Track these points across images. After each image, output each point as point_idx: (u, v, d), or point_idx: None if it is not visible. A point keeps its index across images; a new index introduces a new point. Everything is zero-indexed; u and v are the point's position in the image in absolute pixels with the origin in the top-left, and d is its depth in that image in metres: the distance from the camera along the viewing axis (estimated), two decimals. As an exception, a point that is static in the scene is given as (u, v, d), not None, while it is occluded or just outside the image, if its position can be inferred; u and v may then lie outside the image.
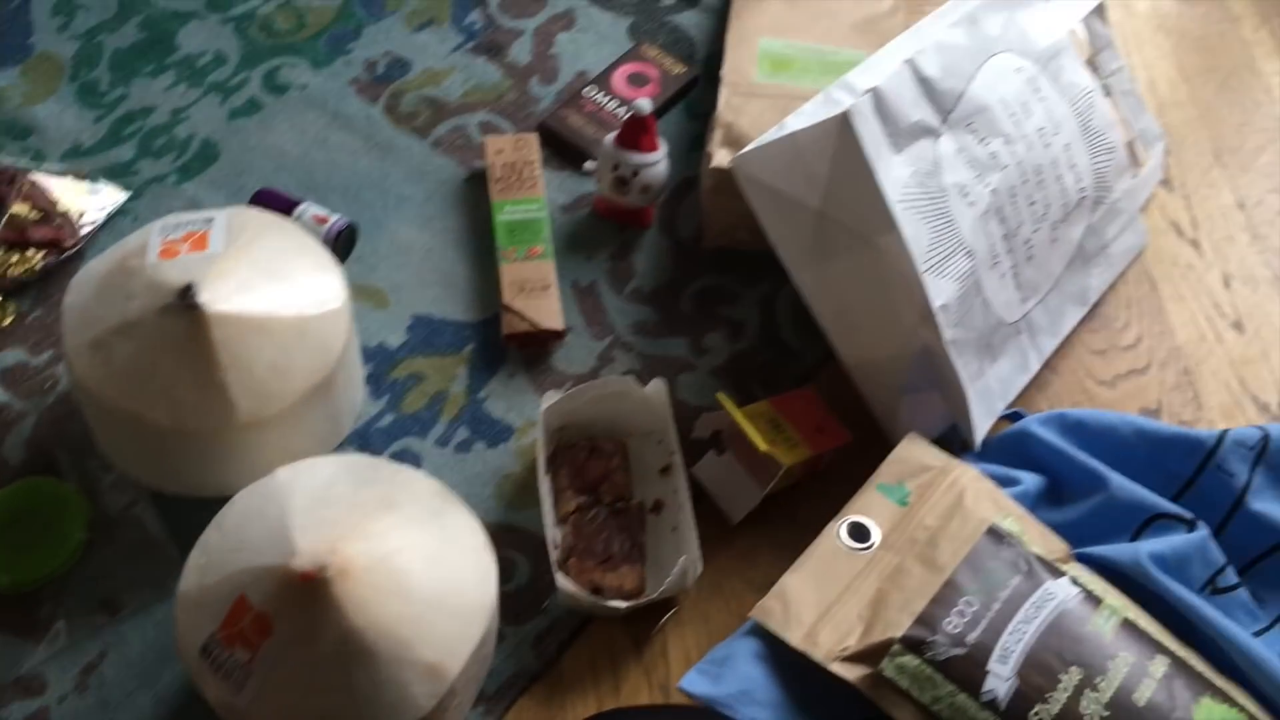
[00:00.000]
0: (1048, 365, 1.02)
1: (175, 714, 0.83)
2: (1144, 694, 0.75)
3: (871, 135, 0.85)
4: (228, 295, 0.81)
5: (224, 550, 0.73)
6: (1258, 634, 0.88)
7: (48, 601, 0.87)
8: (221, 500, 0.79)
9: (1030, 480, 0.91)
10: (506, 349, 1.02)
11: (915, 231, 0.86)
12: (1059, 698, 0.74)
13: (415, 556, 0.73)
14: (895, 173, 0.87)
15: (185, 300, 0.79)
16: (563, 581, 0.85)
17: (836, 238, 0.89)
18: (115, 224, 1.05)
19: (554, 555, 0.88)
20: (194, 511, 0.82)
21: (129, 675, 0.84)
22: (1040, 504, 0.91)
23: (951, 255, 0.88)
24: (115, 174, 1.08)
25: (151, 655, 0.85)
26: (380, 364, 1.00)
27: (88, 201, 1.04)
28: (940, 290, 0.87)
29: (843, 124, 0.85)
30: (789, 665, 0.79)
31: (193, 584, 0.73)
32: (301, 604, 0.69)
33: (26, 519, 0.89)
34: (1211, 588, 0.87)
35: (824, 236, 0.90)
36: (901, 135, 0.88)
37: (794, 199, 0.90)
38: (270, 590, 0.69)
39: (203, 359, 0.80)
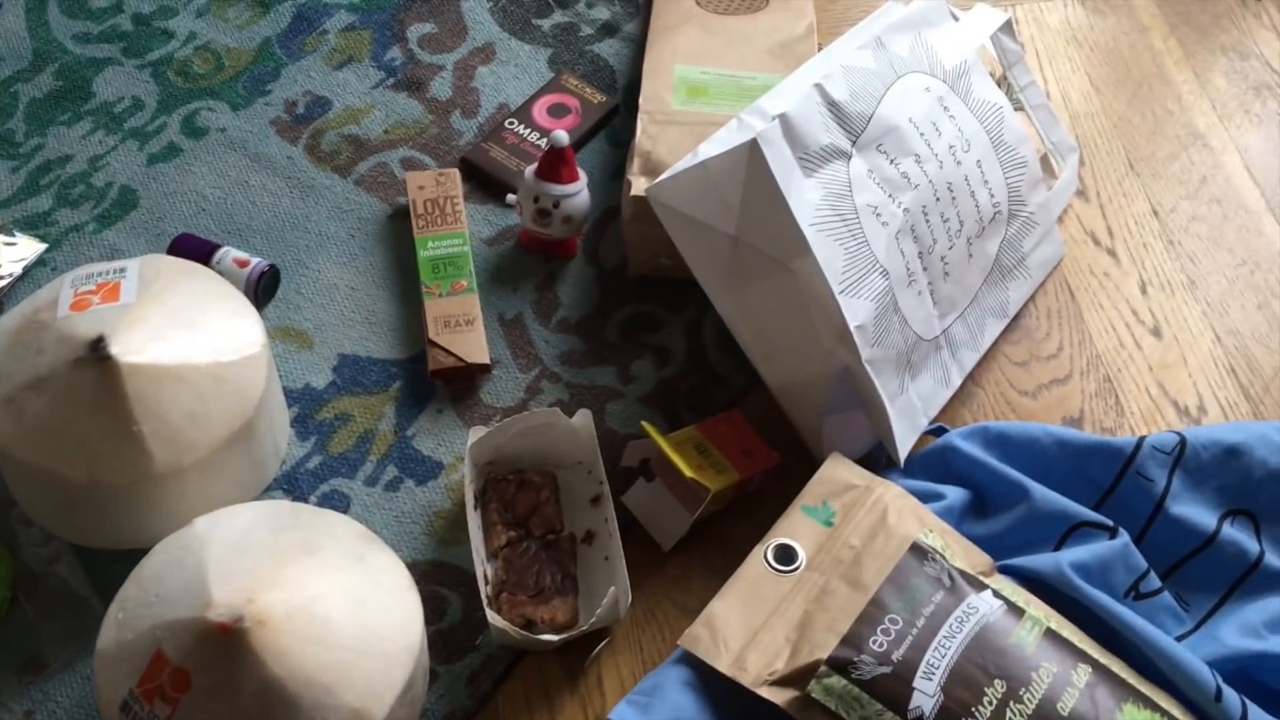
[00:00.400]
0: (971, 378, 1.04)
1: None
2: (1067, 703, 0.75)
3: (781, 161, 0.86)
4: (140, 345, 0.80)
5: (141, 604, 0.72)
6: (1182, 637, 0.89)
7: (-30, 663, 0.86)
8: (145, 551, 0.78)
9: (954, 494, 0.92)
10: (434, 385, 1.02)
11: (828, 254, 0.87)
12: (984, 711, 0.74)
13: (336, 602, 0.73)
14: (806, 196, 0.88)
15: (97, 352, 0.79)
16: (494, 618, 0.85)
17: (752, 263, 0.90)
18: (34, 275, 1.04)
19: (485, 591, 0.88)
20: (117, 563, 0.81)
21: (56, 734, 0.83)
22: (965, 517, 0.92)
23: (866, 275, 0.89)
24: (33, 225, 1.07)
25: (80, 712, 0.84)
26: (306, 405, 1.00)
27: (4, 254, 1.03)
28: (856, 311, 0.88)
29: (752, 150, 0.86)
30: (719, 691, 0.79)
31: (111, 639, 0.73)
32: (219, 656, 0.68)
33: (-54, 580, 0.88)
34: (1135, 593, 0.88)
35: (740, 262, 0.91)
36: (812, 159, 0.89)
37: (709, 226, 0.91)
38: (187, 643, 0.69)
39: (117, 411, 0.79)
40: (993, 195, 1.02)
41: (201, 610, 0.69)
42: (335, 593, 0.73)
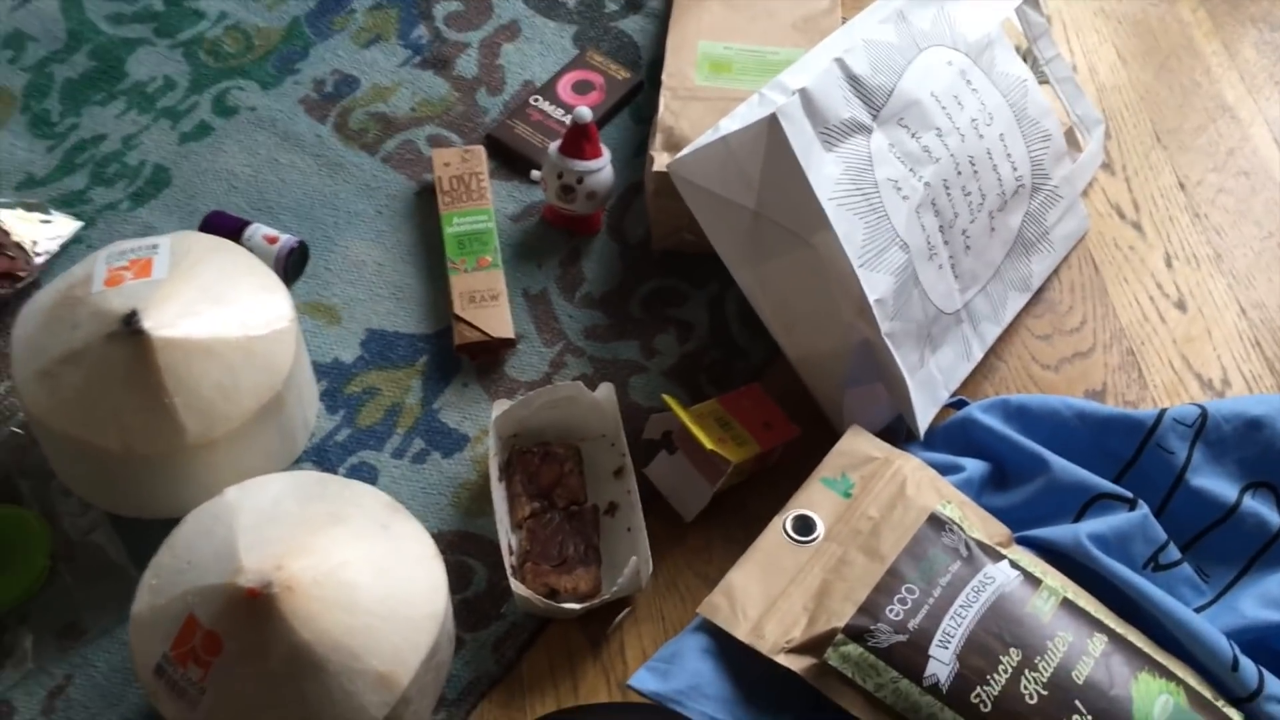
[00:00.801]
0: (993, 352, 1.04)
1: (142, 731, 0.85)
2: (1082, 672, 0.76)
3: (801, 135, 0.87)
4: (172, 320, 0.82)
5: (174, 570, 0.75)
6: (1202, 608, 0.89)
7: (13, 627, 0.88)
8: (178, 521, 0.80)
9: (973, 467, 0.92)
10: (459, 359, 1.03)
11: (848, 228, 0.88)
12: (999, 679, 0.75)
13: (362, 569, 0.75)
14: (826, 171, 0.88)
15: (130, 327, 0.81)
16: (517, 586, 0.86)
17: (772, 237, 0.91)
18: (70, 253, 1.06)
19: (509, 561, 0.89)
20: (152, 533, 0.83)
21: (95, 697, 0.86)
22: (984, 490, 0.93)
23: (886, 249, 0.90)
24: (68, 203, 1.09)
25: (117, 677, 0.87)
26: (335, 380, 1.01)
27: (41, 232, 1.05)
28: (875, 284, 0.89)
29: (772, 125, 0.86)
30: (737, 658, 0.80)
31: (145, 605, 0.75)
32: (249, 621, 0.70)
33: (-11, 548, 0.90)
34: (1154, 565, 0.89)
35: (760, 236, 0.92)
36: (832, 133, 0.89)
37: (729, 200, 0.92)
38: (219, 608, 0.71)
39: (149, 384, 0.81)
40: (1015, 169, 1.02)
41: (232, 576, 0.71)
42: (361, 560, 0.75)
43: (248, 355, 0.85)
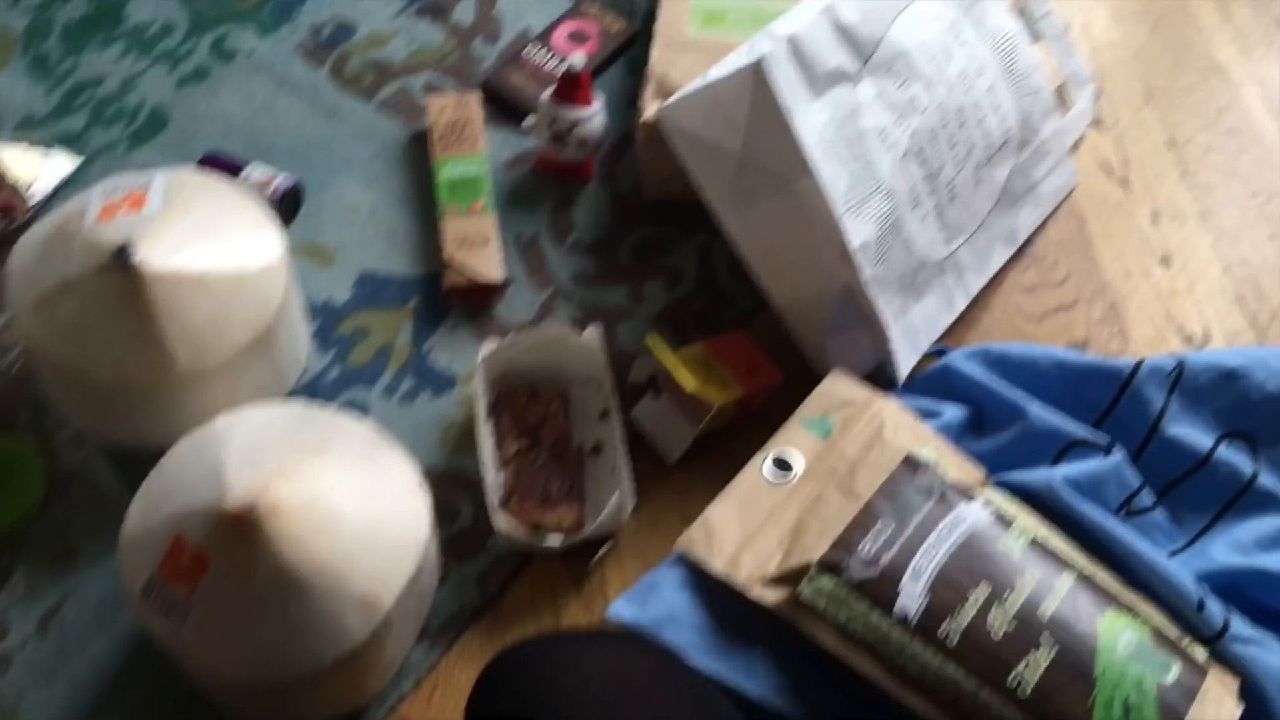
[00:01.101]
0: (977, 303, 1.05)
1: (131, 655, 0.87)
2: (1049, 607, 0.78)
3: (787, 82, 0.88)
4: (164, 253, 0.84)
5: (163, 494, 0.76)
6: (1174, 554, 0.91)
7: (8, 553, 0.90)
8: (169, 451, 0.82)
9: (952, 412, 0.94)
10: (449, 302, 1.05)
11: (832, 174, 0.89)
12: (967, 613, 0.77)
13: (347, 496, 0.76)
14: (812, 118, 0.89)
15: (121, 259, 0.82)
16: (501, 520, 0.88)
17: (758, 183, 0.92)
18: (67, 192, 1.07)
19: (494, 497, 0.91)
20: (145, 463, 0.85)
21: (87, 620, 0.88)
22: (963, 435, 0.94)
23: (870, 197, 0.91)
24: (67, 143, 1.11)
25: (109, 602, 0.89)
26: (327, 320, 1.03)
27: (39, 170, 1.06)
28: (858, 231, 0.90)
29: (758, 71, 0.87)
30: (713, 591, 0.82)
31: (134, 526, 0.77)
32: (235, 542, 0.72)
33: (-14, 475, 0.92)
34: (1127, 510, 0.90)
35: (746, 182, 0.93)
36: (819, 81, 0.90)
37: (717, 146, 0.93)
38: (205, 529, 0.73)
39: (141, 315, 0.83)
40: (1003, 122, 1.02)
41: (219, 499, 0.73)
42: (346, 487, 0.77)
43: (239, 289, 0.87)
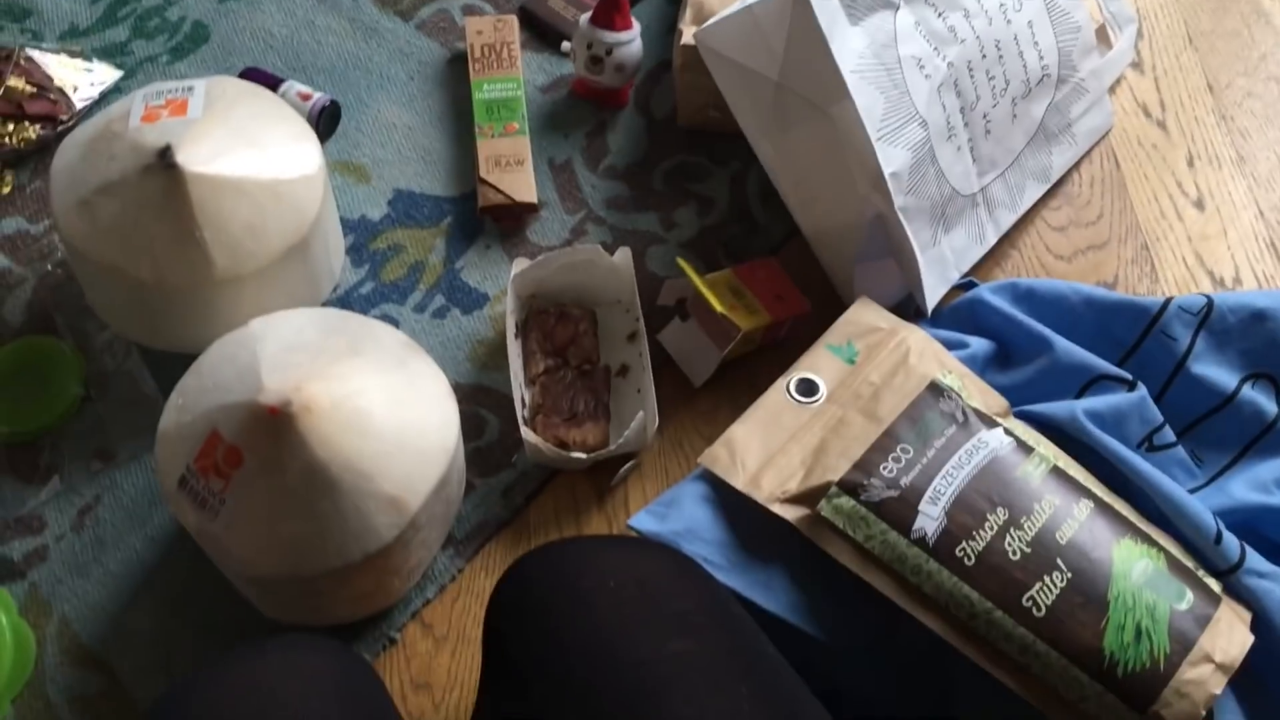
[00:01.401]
0: (1006, 240, 1.05)
1: (164, 551, 0.89)
2: (1066, 533, 0.79)
3: (826, 6, 0.88)
4: (205, 158, 0.85)
5: (199, 391, 0.78)
6: (1193, 491, 0.91)
7: (47, 450, 0.93)
8: (204, 353, 0.84)
9: (978, 344, 0.94)
10: (482, 222, 1.06)
11: (868, 101, 0.89)
12: (984, 535, 0.78)
13: (377, 399, 0.78)
14: (850, 44, 0.89)
15: (164, 160, 0.84)
16: (528, 434, 0.90)
17: (794, 108, 0.92)
18: (109, 101, 1.09)
19: (522, 413, 0.93)
20: (180, 367, 0.87)
21: (122, 517, 0.90)
22: (987, 367, 0.95)
23: (905, 125, 0.91)
24: (110, 54, 1.12)
25: (143, 500, 0.91)
26: (361, 235, 1.04)
27: (82, 79, 1.08)
28: (892, 158, 0.90)
29: (797, -5, 0.87)
30: (733, 507, 0.83)
31: (171, 422, 0.78)
32: (269, 437, 0.74)
33: (26, 375, 0.95)
34: (1148, 445, 0.91)
35: (782, 107, 0.93)
36: (859, 7, 0.90)
37: (754, 71, 0.93)
38: (240, 424, 0.74)
39: (181, 217, 0.84)
40: (1042, 57, 1.02)
41: (254, 395, 0.74)
42: (377, 390, 0.78)
43: (276, 197, 0.88)
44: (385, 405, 0.78)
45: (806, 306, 0.99)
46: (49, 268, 1.00)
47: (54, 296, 0.99)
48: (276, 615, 0.85)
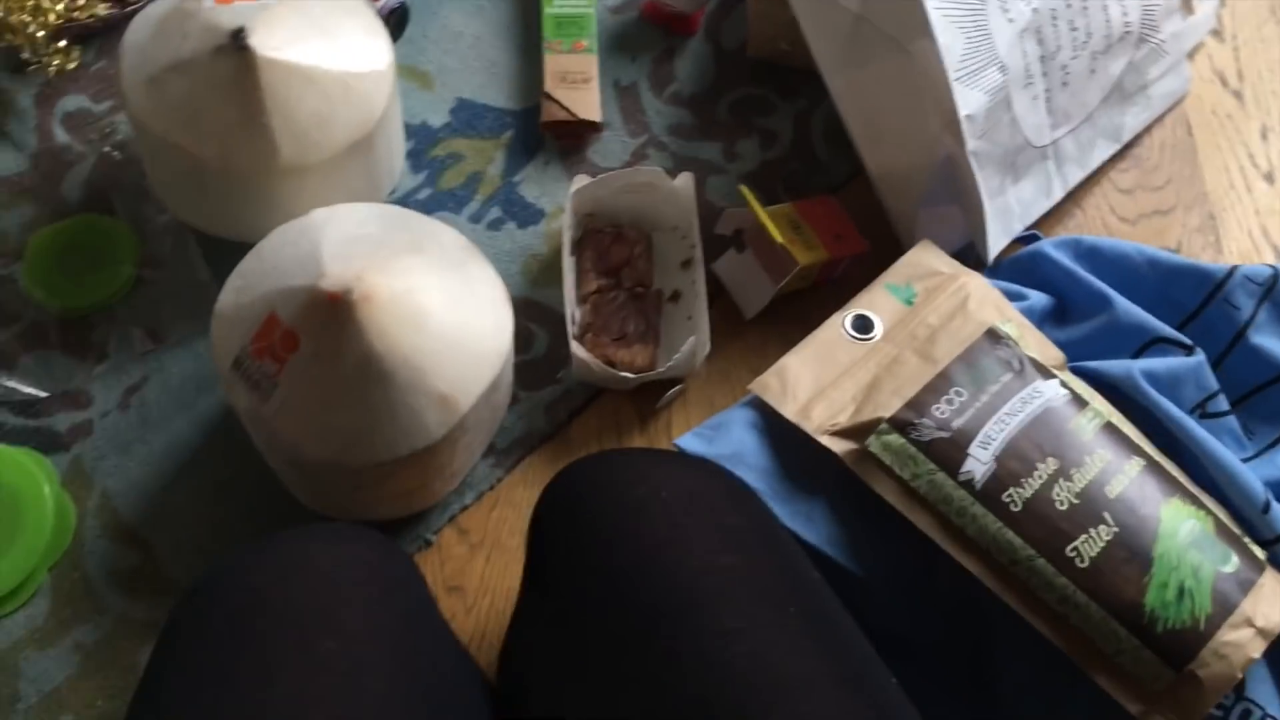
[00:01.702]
0: (1071, 197, 1.04)
1: (207, 438, 0.90)
2: (1115, 488, 0.78)
3: (915, -62, 0.86)
4: (278, 43, 0.84)
5: (259, 273, 0.78)
6: (1243, 461, 0.91)
7: (99, 327, 0.93)
8: (262, 242, 0.83)
9: (1037, 298, 0.93)
10: (544, 138, 1.05)
11: (949, 40, 0.88)
12: (1032, 484, 0.77)
13: (435, 296, 0.77)
14: (936, -21, 0.87)
15: (237, 42, 0.83)
16: (577, 349, 0.89)
17: (872, 42, 0.91)
18: (178, -12, 1.08)
19: (572, 329, 0.92)
20: (236, 256, 0.87)
21: (168, 399, 0.91)
22: (1045, 321, 0.94)
23: (984, 68, 0.90)
24: (181, -60, 1.11)
25: (190, 384, 0.92)
26: (421, 141, 1.04)
27: (152, -38, 1.07)
28: (968, 100, 0.89)
29: (887, -76, 0.85)
30: (779, 437, 0.83)
31: (229, 303, 0.78)
32: (327, 323, 0.74)
33: (81, 252, 0.95)
34: (1201, 411, 0.90)
35: (860, 40, 0.91)
36: (947, -57, 0.88)
37: (833, 1, 0.91)
38: (300, 309, 0.74)
39: (250, 101, 0.83)
40: (1126, 14, 1.00)
41: (315, 280, 0.74)
42: (435, 288, 0.78)
43: (345, 90, 0.87)
44: (443, 304, 0.78)
45: (865, 247, 0.98)
46: (109, 149, 1.00)
47: (112, 177, 0.99)
48: (317, 507, 0.85)
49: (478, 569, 0.87)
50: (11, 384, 0.90)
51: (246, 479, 0.87)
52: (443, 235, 0.83)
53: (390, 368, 0.75)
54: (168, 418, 0.90)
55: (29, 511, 0.84)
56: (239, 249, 0.82)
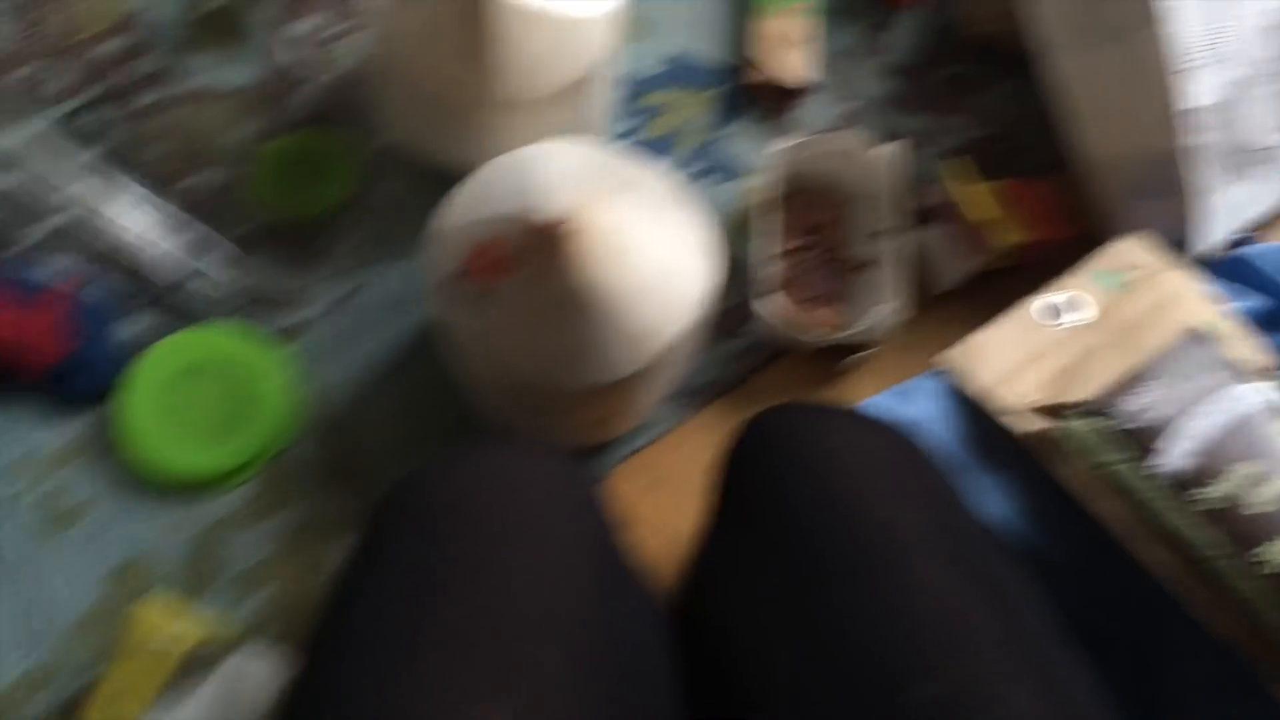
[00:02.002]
0: (1289, 206, 1.00)
1: (409, 349, 0.95)
2: (1313, 502, 0.76)
3: (1163, -79, 0.84)
4: (512, -19, 0.87)
5: (478, 198, 0.81)
6: None
7: (321, 236, 0.98)
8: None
9: (1249, 301, 0.90)
10: (751, 97, 1.06)
11: (1185, 27, 0.85)
12: (1224, 484, 0.76)
13: (644, 236, 0.79)
14: (1179, -36, 0.85)
15: (476, -24, 0.86)
16: (763, 308, 0.91)
17: (1102, 25, 0.89)
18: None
19: (758, 288, 0.94)
20: (445, 186, 0.91)
21: (377, 310, 0.96)
22: (1255, 326, 0.91)
23: (1220, 61, 0.87)
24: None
25: (397, 297, 0.97)
26: (632, 89, 1.06)
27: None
28: (1197, 93, 0.87)
29: (1135, -96, 0.84)
30: (966, 411, 0.83)
31: (448, 223, 0.82)
32: (541, 250, 0.76)
33: (305, 164, 1.00)
34: None
35: (1094, 21, 0.90)
36: (1194, -71, 0.86)
37: (1068, -19, 0.90)
38: (516, 234, 0.77)
39: (480, 35, 0.87)
40: (1373, 18, 0.96)
41: (533, 209, 0.77)
42: (644, 228, 0.80)
43: (571, 31, 0.90)
44: (651, 244, 0.80)
45: (1069, 233, 0.97)
46: (335, 73, 1.05)
47: (337, 101, 1.04)
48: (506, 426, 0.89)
49: (652, 506, 0.89)
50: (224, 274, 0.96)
51: (439, 396, 0.92)
52: (654, 179, 0.85)
53: (596, 300, 0.77)
54: (376, 326, 0.95)
55: (265, 396, 0.90)
56: (447, 178, 0.86)
